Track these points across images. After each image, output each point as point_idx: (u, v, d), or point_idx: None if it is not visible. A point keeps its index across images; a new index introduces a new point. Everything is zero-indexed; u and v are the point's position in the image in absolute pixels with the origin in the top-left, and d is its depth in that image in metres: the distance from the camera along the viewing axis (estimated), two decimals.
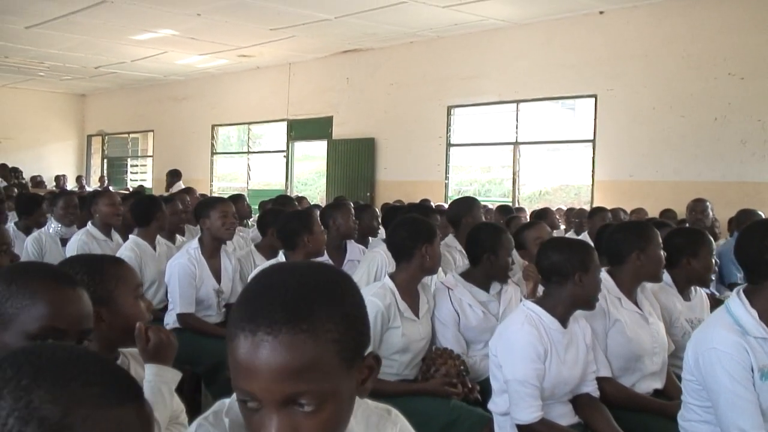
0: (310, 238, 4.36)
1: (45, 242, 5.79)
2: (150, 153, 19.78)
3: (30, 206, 6.44)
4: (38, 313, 1.72)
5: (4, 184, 13.42)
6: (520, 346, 2.96)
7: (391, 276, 3.66)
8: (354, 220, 5.41)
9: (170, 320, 4.81)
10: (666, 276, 3.91)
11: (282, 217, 4.83)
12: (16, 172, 14.86)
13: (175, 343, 2.29)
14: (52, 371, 1.01)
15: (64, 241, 5.90)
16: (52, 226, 6.05)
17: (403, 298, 3.59)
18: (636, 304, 3.54)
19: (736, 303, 2.62)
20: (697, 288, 4.01)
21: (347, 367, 1.16)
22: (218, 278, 4.90)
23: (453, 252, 5.29)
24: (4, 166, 15.45)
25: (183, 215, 5.85)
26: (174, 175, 13.50)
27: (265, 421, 1.13)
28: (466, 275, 3.94)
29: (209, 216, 4.84)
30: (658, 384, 3.52)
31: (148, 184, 18.38)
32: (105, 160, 21.60)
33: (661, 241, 3.59)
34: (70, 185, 18.37)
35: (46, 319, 1.71)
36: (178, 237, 5.93)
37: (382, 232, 6.23)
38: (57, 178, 18.76)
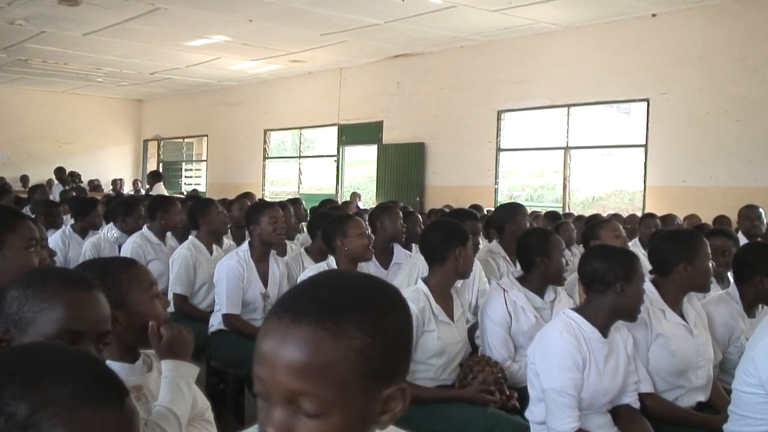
0: (344, 241, 4.35)
1: (103, 247, 5.92)
2: (204, 157, 20.06)
3: (85, 208, 6.55)
4: (55, 316, 1.72)
5: (61, 188, 13.71)
6: (558, 354, 2.92)
7: (425, 280, 3.64)
8: (402, 223, 5.41)
9: (215, 321, 4.87)
10: (733, 290, 3.80)
11: (324, 222, 4.87)
12: (73, 176, 15.17)
13: (189, 338, 2.30)
14: (27, 370, 1.03)
15: (121, 247, 6.03)
16: (114, 233, 6.18)
17: (437, 301, 3.56)
18: (681, 314, 3.43)
19: None
20: (763, 305, 3.84)
21: (367, 386, 1.07)
22: (265, 282, 4.93)
23: (497, 258, 5.23)
24: (61, 169, 15.75)
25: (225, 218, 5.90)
26: (155, 177, 13.55)
27: (267, 415, 1.07)
28: (521, 280, 3.90)
29: (260, 222, 4.88)
30: (702, 397, 3.42)
31: (202, 188, 18.66)
32: (160, 165, 21.94)
33: (710, 251, 3.46)
34: (127, 189, 18.75)
35: (64, 322, 1.72)
36: (226, 241, 6.01)
37: None
38: (114, 182, 19.12)
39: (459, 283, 4.11)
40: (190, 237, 5.47)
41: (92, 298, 1.79)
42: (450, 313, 3.63)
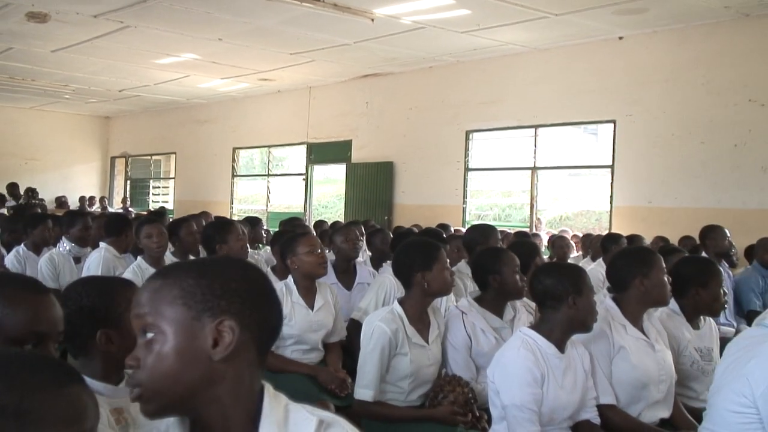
0: (294, 260, 4.35)
1: (58, 262, 5.89)
2: (172, 175, 19.94)
3: (33, 224, 6.40)
4: (20, 319, 1.81)
5: (13, 203, 13.54)
6: (517, 370, 2.95)
7: (400, 301, 3.63)
8: (356, 241, 5.41)
9: None
10: (674, 304, 3.88)
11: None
12: (33, 192, 14.88)
13: None
14: (1, 367, 1.15)
15: (77, 260, 6.00)
16: (66, 245, 6.15)
17: (411, 323, 3.54)
18: (642, 331, 3.49)
19: None
20: (707, 317, 3.96)
21: (191, 316, 1.37)
22: None
23: (464, 279, 5.24)
24: (14, 185, 15.46)
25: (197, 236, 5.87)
26: None
27: None
28: (479, 300, 3.91)
29: (227, 241, 4.84)
30: (665, 413, 3.46)
31: (169, 206, 18.55)
32: (128, 182, 21.80)
33: (664, 265, 3.53)
34: (96, 206, 18.62)
35: (28, 324, 1.82)
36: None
37: None
38: (81, 199, 18.97)
39: (438, 303, 4.11)
40: (138, 258, 5.41)
41: (50, 301, 1.89)
42: (425, 335, 3.62)
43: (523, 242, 5.45)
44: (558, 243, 7.85)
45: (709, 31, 9.57)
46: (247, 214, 15.44)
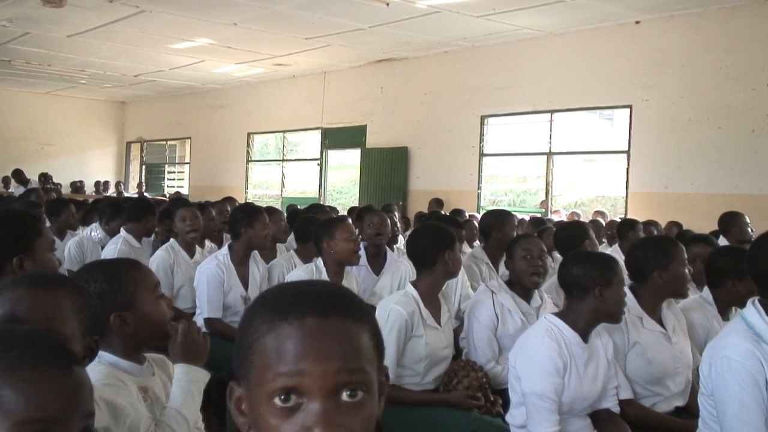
0: (330, 244, 4.38)
1: (87, 247, 6.01)
2: (187, 160, 19.99)
3: (58, 209, 6.62)
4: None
5: (22, 189, 13.58)
6: (540, 359, 2.93)
7: (414, 284, 3.63)
8: (379, 227, 5.40)
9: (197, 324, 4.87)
10: (707, 293, 3.81)
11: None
12: (47, 177, 14.90)
13: (206, 344, 2.36)
14: None
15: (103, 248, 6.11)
16: (98, 234, 6.25)
17: (426, 305, 3.56)
18: (660, 321, 3.43)
19: (752, 312, 2.57)
20: (737, 308, 3.88)
21: (378, 366, 1.15)
22: (246, 285, 4.92)
23: (480, 264, 5.25)
24: (19, 171, 15.46)
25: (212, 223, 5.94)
26: None
27: (308, 416, 1.06)
28: (509, 284, 3.94)
29: (253, 226, 4.87)
30: (680, 402, 3.44)
31: (184, 191, 18.59)
32: (143, 167, 21.88)
33: (685, 256, 3.46)
34: (110, 191, 18.73)
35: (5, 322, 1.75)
36: (207, 243, 6.05)
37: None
38: (96, 184, 19.07)
39: (453, 289, 4.12)
40: (171, 240, 5.51)
41: (30, 297, 1.79)
42: (437, 317, 3.63)
43: (574, 224, 5.39)
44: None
45: (727, 15, 9.49)
46: (261, 200, 15.53)
